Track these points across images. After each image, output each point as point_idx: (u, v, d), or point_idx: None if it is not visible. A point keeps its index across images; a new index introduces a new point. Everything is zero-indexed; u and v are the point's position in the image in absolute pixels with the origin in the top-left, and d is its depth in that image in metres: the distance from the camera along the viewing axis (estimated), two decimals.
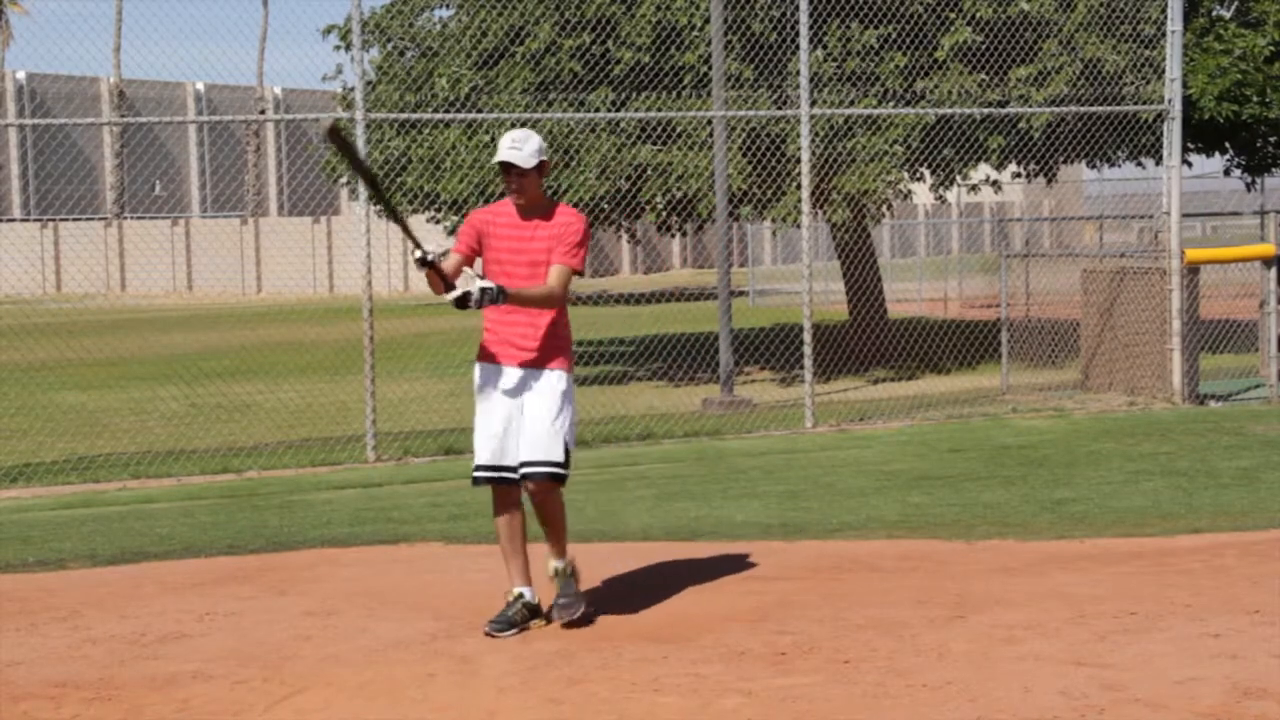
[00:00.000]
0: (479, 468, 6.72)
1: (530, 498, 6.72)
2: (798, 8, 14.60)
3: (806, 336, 14.40)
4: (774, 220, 17.79)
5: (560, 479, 6.70)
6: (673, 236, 22.67)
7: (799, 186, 15.04)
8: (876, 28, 17.36)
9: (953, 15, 17.47)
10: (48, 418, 16.39)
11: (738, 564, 8.21)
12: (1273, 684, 5.72)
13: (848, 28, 17.37)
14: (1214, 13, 19.81)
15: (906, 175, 18.84)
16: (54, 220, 52.80)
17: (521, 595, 6.71)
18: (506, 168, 6.71)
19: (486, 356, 6.82)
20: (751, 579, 7.80)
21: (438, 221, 19.45)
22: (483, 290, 6.44)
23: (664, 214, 18.69)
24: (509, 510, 6.77)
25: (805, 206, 14.60)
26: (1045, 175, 20.10)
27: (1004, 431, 13.65)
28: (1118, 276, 16.06)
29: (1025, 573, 7.78)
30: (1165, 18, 15.59)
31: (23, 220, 56.51)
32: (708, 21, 16.86)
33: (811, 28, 14.94)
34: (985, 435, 13.44)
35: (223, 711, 5.78)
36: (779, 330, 22.00)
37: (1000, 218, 45.95)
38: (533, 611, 6.74)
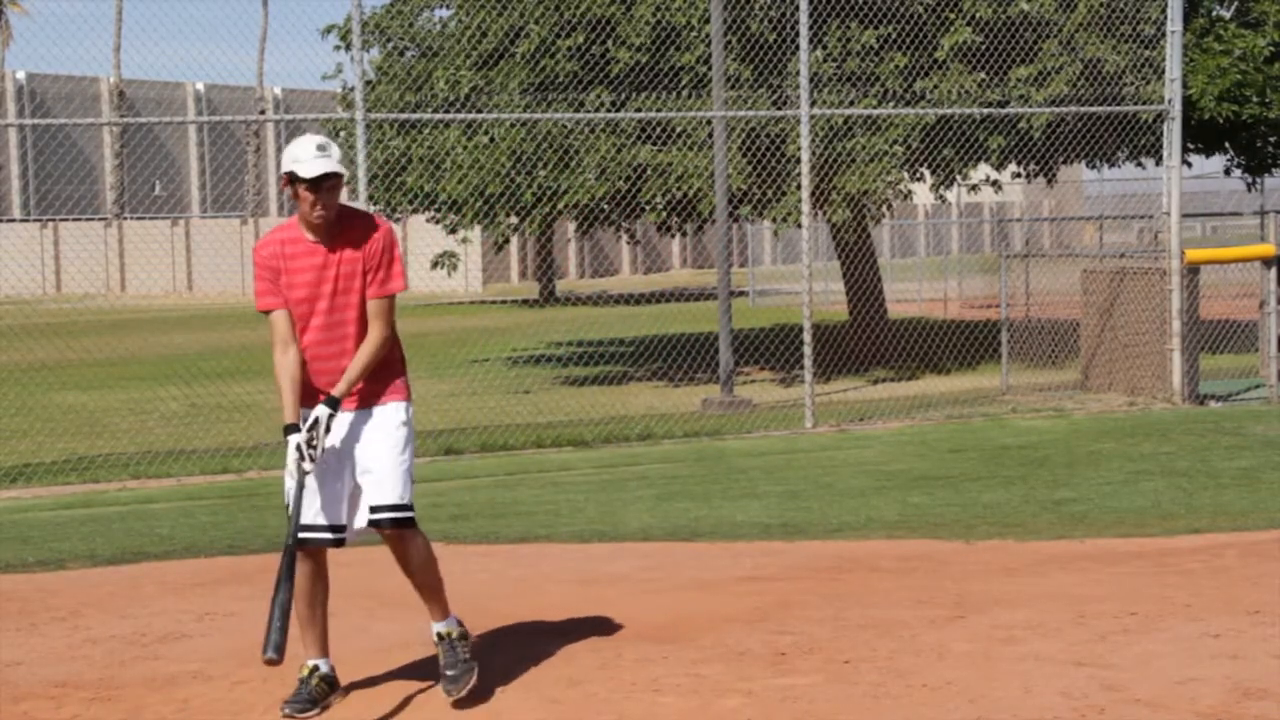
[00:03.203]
0: (303, 527, 5.77)
1: (390, 547, 5.93)
2: (797, 8, 14.60)
3: (806, 336, 14.40)
4: (774, 220, 17.79)
5: (413, 521, 5.93)
6: (673, 237, 22.66)
7: (799, 186, 15.05)
8: (876, 28, 17.35)
9: (953, 15, 17.46)
10: (48, 418, 16.38)
11: (738, 564, 8.21)
12: (1273, 684, 5.71)
13: (847, 28, 17.37)
14: (1214, 13, 19.80)
15: (906, 175, 18.84)
16: (54, 220, 52.80)
17: (317, 668, 5.92)
18: (317, 182, 5.59)
19: (311, 400, 5.85)
20: (751, 579, 7.79)
21: (437, 221, 19.44)
22: (315, 422, 5.73)
23: (664, 214, 18.68)
24: (314, 573, 5.89)
25: (805, 206, 14.60)
26: (1045, 175, 20.09)
27: (1004, 432, 13.65)
28: (1118, 277, 16.07)
29: (1025, 573, 7.78)
30: (1165, 18, 15.59)
31: (23, 220, 56.51)
32: (706, 21, 16.86)
33: (811, 28, 14.93)
34: (985, 435, 13.44)
35: (223, 711, 5.78)
36: (779, 330, 21.98)
37: (1000, 218, 45.98)
38: (330, 685, 5.94)
